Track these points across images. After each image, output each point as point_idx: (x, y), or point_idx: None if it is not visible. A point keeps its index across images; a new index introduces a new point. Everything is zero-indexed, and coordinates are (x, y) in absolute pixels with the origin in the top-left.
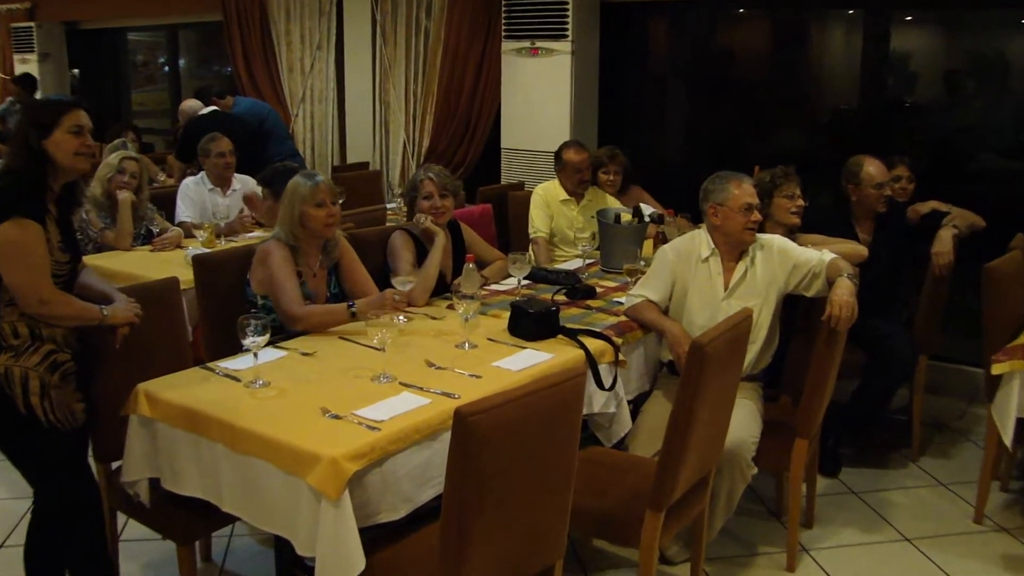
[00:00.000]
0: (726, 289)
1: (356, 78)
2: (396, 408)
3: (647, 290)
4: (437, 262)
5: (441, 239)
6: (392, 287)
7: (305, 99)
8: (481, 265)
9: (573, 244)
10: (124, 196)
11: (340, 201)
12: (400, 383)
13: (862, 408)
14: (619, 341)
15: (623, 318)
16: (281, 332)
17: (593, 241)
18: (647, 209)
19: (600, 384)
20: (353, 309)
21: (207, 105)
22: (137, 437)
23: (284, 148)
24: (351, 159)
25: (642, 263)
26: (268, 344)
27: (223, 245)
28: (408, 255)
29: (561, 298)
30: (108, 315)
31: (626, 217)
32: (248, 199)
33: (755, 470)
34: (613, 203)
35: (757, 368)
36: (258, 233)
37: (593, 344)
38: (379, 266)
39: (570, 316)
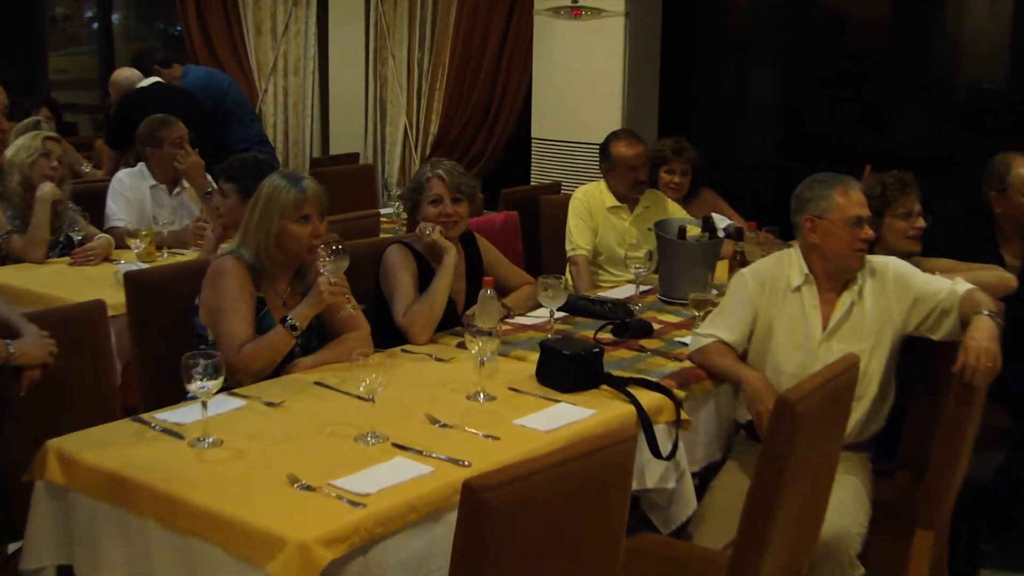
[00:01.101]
0: (825, 328)
1: (343, 43)
2: (387, 478)
3: (719, 328)
4: (446, 286)
5: (452, 257)
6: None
7: (277, 70)
8: (503, 291)
9: (623, 265)
10: (45, 190)
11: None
12: (393, 444)
13: (1008, 489)
14: (682, 395)
15: (688, 364)
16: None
17: (650, 262)
18: (721, 221)
19: (656, 451)
20: (291, 321)
21: (147, 75)
22: (45, 511)
23: (248, 134)
24: (336, 149)
25: (714, 292)
26: (221, 390)
27: (166, 259)
28: (408, 277)
29: (607, 336)
30: (14, 353)
31: (694, 231)
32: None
33: (861, 570)
34: (677, 212)
35: (865, 434)
36: (225, 247)
37: (648, 398)
38: (370, 290)
39: (618, 360)
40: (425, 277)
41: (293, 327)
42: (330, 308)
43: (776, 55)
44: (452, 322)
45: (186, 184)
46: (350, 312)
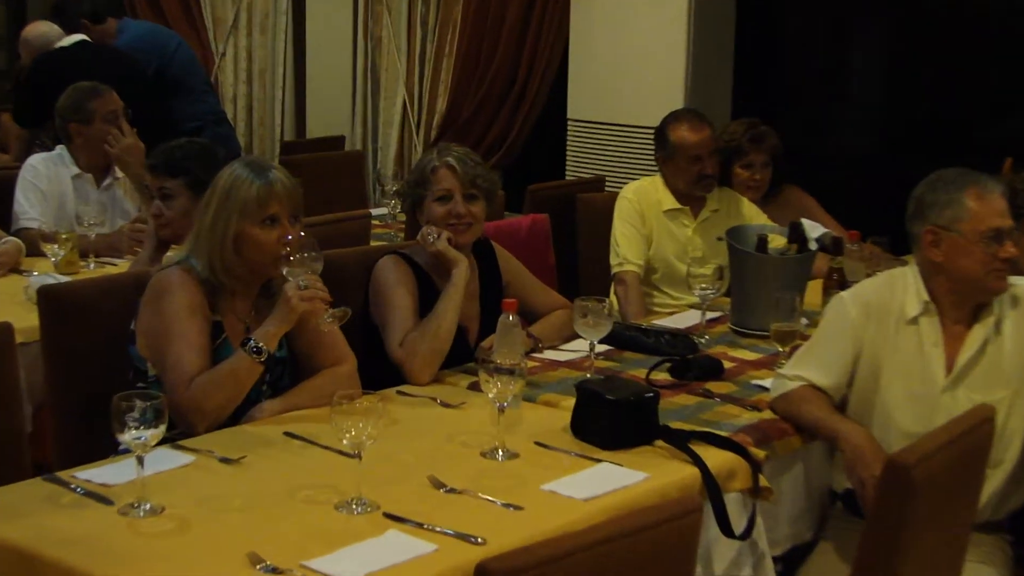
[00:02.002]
0: (949, 372)
1: None
2: (377, 558)
3: (810, 368)
4: (455, 309)
5: (463, 272)
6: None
7: (239, 27)
8: (529, 316)
9: (685, 285)
10: None
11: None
12: (385, 515)
13: None
14: (761, 455)
15: (769, 415)
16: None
17: (720, 281)
18: (814, 229)
19: (727, 529)
20: (255, 343)
21: (71, 32)
22: None
23: (201, 109)
24: (314, 131)
25: (803, 322)
26: (164, 442)
27: (92, 271)
28: (405, 297)
29: (663, 377)
30: None
31: (777, 241)
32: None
33: None
34: (755, 216)
35: (1003, 510)
36: (172, 255)
37: (716, 459)
38: (357, 314)
39: (678, 409)
40: (428, 297)
41: (257, 349)
42: (305, 336)
43: (884, 22)
44: (462, 356)
45: (120, 174)
46: (328, 324)
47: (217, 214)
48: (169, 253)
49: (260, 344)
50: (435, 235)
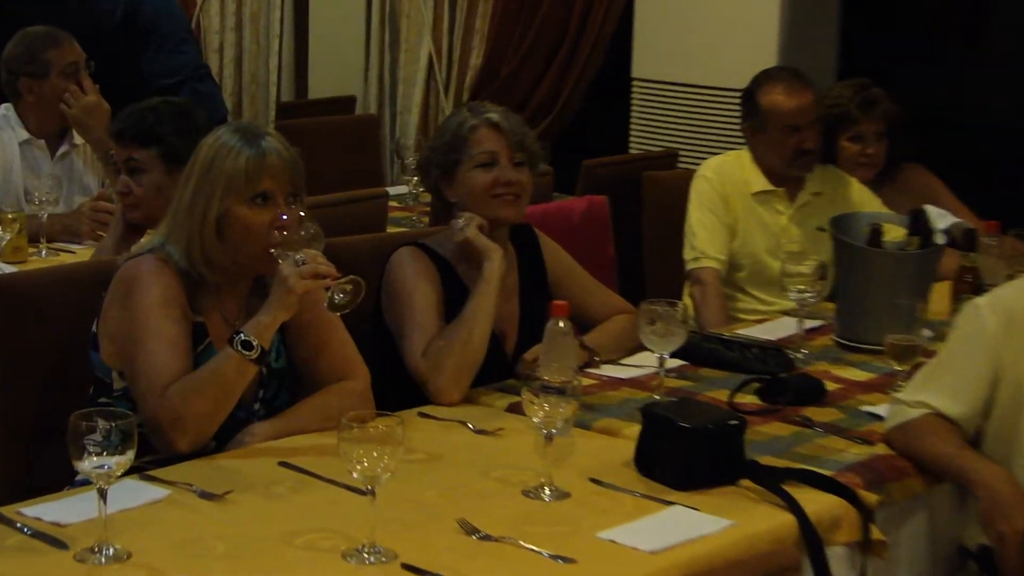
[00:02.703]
0: None
1: None
2: None
3: (936, 393)
4: (488, 311)
5: (497, 265)
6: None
7: None
8: (582, 323)
9: (778, 287)
10: None
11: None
12: (404, 566)
13: None
14: (873, 500)
15: (883, 450)
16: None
17: (822, 282)
18: (941, 217)
19: None
20: (245, 336)
21: None
22: None
23: (178, 62)
24: (318, 91)
25: (927, 334)
26: (131, 472)
27: (45, 259)
28: (426, 295)
29: (750, 401)
30: None
31: (895, 233)
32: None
33: None
34: (866, 201)
35: None
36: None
37: (817, 503)
38: (367, 316)
39: (769, 440)
40: (455, 297)
41: (247, 344)
42: (307, 341)
43: None
44: (499, 369)
45: (79, 140)
46: (338, 307)
47: (197, 191)
48: (142, 240)
49: (251, 338)
50: (467, 223)
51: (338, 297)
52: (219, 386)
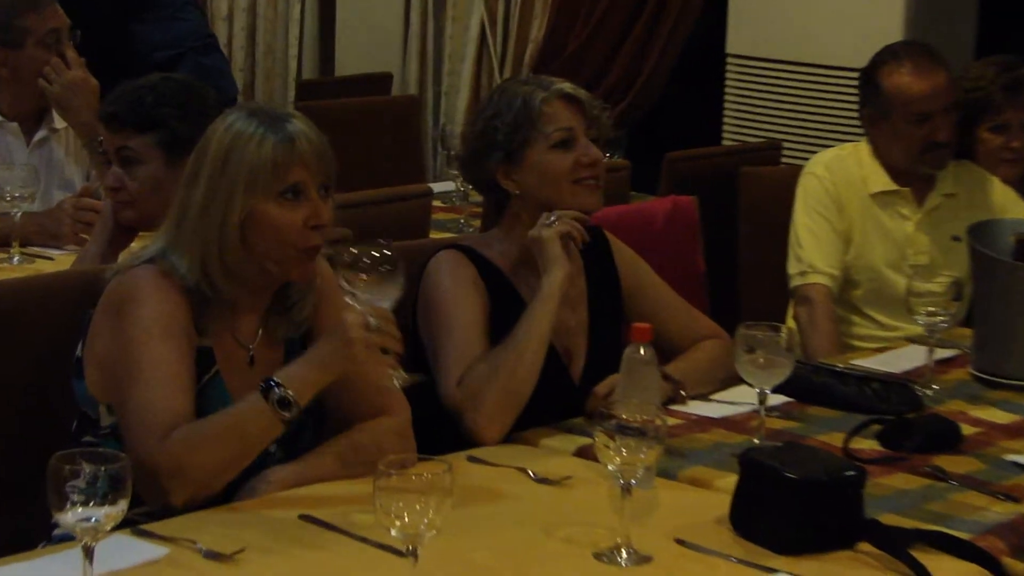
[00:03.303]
0: None
1: None
2: None
3: None
4: (543, 335)
5: (558, 279)
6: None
7: None
8: (665, 349)
9: (902, 307)
10: None
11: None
12: None
13: None
14: (1020, 569)
15: None
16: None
17: (957, 303)
18: None
19: None
20: (279, 392)
21: None
22: None
23: (180, 31)
24: (346, 67)
25: None
26: (123, 525)
27: (16, 268)
28: (468, 309)
29: (870, 447)
30: None
31: None
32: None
33: None
34: (1011, 205)
35: None
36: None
37: (949, 571)
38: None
39: (892, 495)
40: (505, 312)
41: (285, 401)
42: (352, 382)
43: None
44: (563, 401)
45: (60, 123)
46: (393, 383)
47: (212, 190)
48: (134, 245)
49: (290, 394)
50: (553, 218)
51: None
52: (237, 440)
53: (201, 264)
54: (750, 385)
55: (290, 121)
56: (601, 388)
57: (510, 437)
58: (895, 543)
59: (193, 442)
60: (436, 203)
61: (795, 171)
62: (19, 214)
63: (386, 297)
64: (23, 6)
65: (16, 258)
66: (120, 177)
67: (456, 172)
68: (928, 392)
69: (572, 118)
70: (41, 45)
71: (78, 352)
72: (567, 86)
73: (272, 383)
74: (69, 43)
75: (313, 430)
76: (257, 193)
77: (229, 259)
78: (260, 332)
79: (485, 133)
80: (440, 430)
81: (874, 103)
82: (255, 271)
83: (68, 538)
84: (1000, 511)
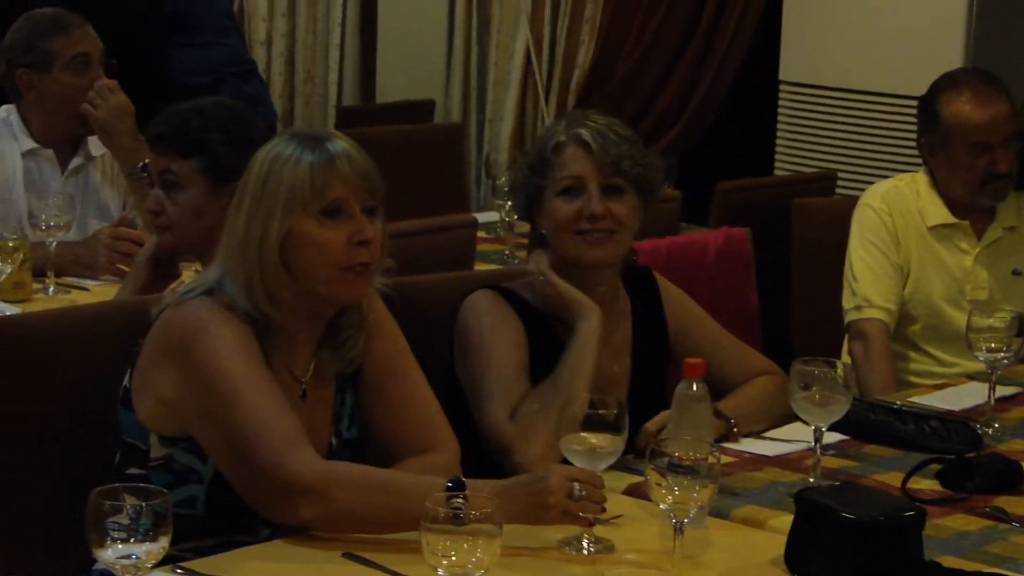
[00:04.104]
0: None
1: None
2: None
3: None
4: (585, 375)
5: (595, 325)
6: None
7: None
8: (717, 386)
9: (964, 343)
10: None
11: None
12: None
13: None
14: None
15: None
16: (204, 527)
17: (1019, 339)
18: None
19: None
20: (461, 499)
21: None
22: None
23: (218, 56)
24: (387, 93)
25: None
26: (164, 562)
27: (52, 298)
28: (509, 351)
29: (929, 487)
30: None
31: None
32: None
33: None
34: None
35: None
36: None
37: None
38: (442, 370)
39: (953, 536)
40: (546, 354)
41: (458, 512)
42: (387, 403)
43: None
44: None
45: (96, 150)
46: (443, 417)
47: (252, 213)
48: (185, 276)
49: (463, 506)
50: (539, 263)
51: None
52: (392, 512)
53: (246, 290)
54: (805, 422)
55: (331, 141)
56: (652, 425)
57: None
58: None
59: (351, 478)
60: (480, 234)
61: (851, 202)
62: (54, 243)
63: (604, 460)
64: (50, 28)
65: (51, 288)
66: (160, 200)
67: (500, 202)
68: (989, 431)
69: (583, 164)
70: (68, 69)
71: (126, 382)
72: (586, 131)
73: (459, 482)
74: (100, 67)
75: (352, 460)
76: (295, 212)
77: (270, 282)
78: (312, 366)
79: (520, 169)
80: (472, 465)
81: (932, 132)
82: (301, 296)
83: (107, 575)
84: None
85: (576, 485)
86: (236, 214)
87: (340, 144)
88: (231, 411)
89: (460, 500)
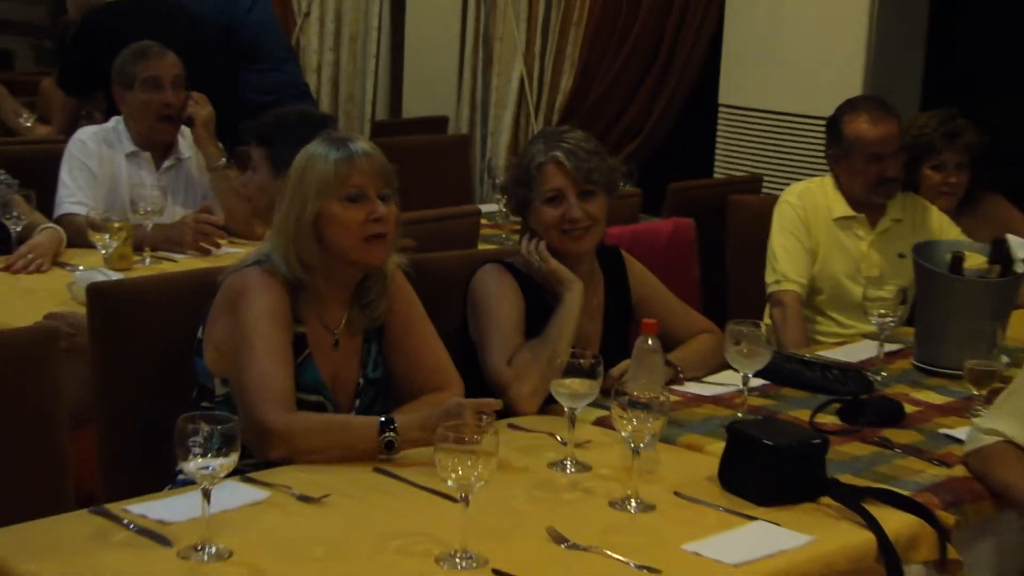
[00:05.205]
0: None
1: None
2: None
3: (1006, 418)
4: (568, 338)
5: (577, 296)
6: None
7: None
8: (667, 341)
9: (858, 310)
10: None
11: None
12: (495, 572)
13: None
14: (950, 520)
15: (961, 471)
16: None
17: (902, 307)
18: (1021, 247)
19: None
20: (391, 435)
21: None
22: None
23: (279, 80)
24: (411, 110)
25: (1004, 360)
26: (233, 473)
27: (147, 268)
28: (509, 311)
29: (831, 421)
30: None
31: (975, 260)
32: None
33: None
34: (946, 229)
35: None
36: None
37: (895, 522)
38: (455, 329)
39: (848, 460)
40: (538, 314)
41: (390, 444)
42: (404, 353)
43: None
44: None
45: (185, 153)
46: (451, 364)
47: (292, 199)
48: (241, 251)
49: (397, 441)
50: (534, 248)
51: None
52: (342, 447)
53: (286, 259)
54: (735, 370)
55: (353, 142)
56: (615, 371)
57: (543, 410)
58: (851, 498)
59: (309, 426)
60: (483, 221)
61: (773, 200)
62: (150, 225)
63: (583, 400)
64: (135, 56)
65: (147, 260)
66: (247, 177)
67: (498, 197)
68: (878, 378)
69: (561, 180)
70: (145, 87)
71: (199, 335)
72: (560, 153)
73: (391, 426)
74: (177, 87)
75: (384, 401)
76: (325, 197)
77: (305, 252)
78: (344, 321)
79: (510, 182)
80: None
81: (837, 145)
82: (331, 263)
83: (189, 482)
84: (934, 473)
85: (477, 412)
86: (281, 200)
87: (360, 144)
88: (245, 360)
89: (391, 433)
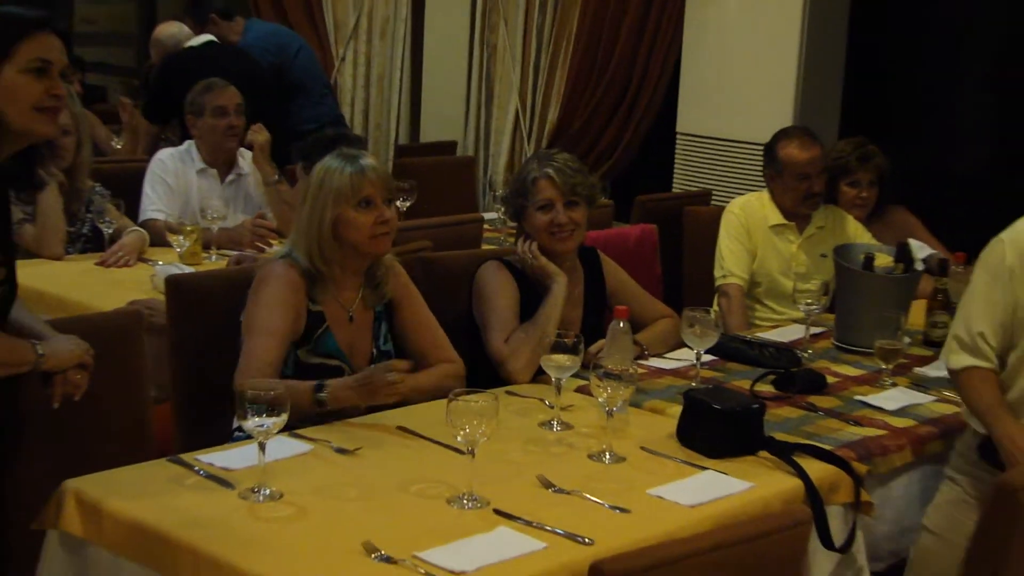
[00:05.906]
0: None
1: (444, 1)
2: (488, 553)
3: (968, 321)
4: (555, 321)
5: (562, 286)
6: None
7: (359, 33)
8: (634, 324)
9: (789, 300)
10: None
11: (401, 202)
12: (495, 511)
13: None
14: (862, 470)
15: (872, 431)
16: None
17: (824, 297)
18: (920, 250)
19: (827, 541)
20: (322, 395)
21: (201, 31)
22: (57, 568)
23: (320, 111)
24: (427, 136)
25: (906, 340)
26: (284, 430)
27: (214, 263)
28: (506, 299)
29: (767, 389)
30: (44, 355)
31: (883, 260)
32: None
33: None
34: (860, 234)
35: None
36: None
37: (819, 471)
38: (463, 314)
39: (781, 421)
40: (530, 304)
41: (320, 402)
42: (412, 333)
43: (1000, 36)
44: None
45: (244, 170)
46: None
47: (312, 204)
48: (275, 247)
49: (325, 397)
50: (528, 248)
51: None
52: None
53: (308, 254)
54: (690, 348)
55: (362, 157)
56: (593, 348)
57: (534, 379)
58: (783, 452)
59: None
60: (485, 226)
61: (720, 210)
62: (216, 229)
63: (567, 372)
64: (204, 89)
65: (214, 256)
66: (293, 190)
67: (498, 206)
68: (805, 355)
69: (552, 191)
70: (213, 114)
71: (241, 317)
72: (551, 169)
73: (322, 389)
74: (236, 115)
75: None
76: (341, 204)
77: (325, 249)
78: (358, 300)
79: (509, 193)
80: (483, 376)
81: (772, 166)
82: (348, 256)
83: (246, 438)
84: (851, 432)
85: (391, 374)
86: (302, 205)
87: (368, 160)
88: (246, 336)
89: (323, 394)
